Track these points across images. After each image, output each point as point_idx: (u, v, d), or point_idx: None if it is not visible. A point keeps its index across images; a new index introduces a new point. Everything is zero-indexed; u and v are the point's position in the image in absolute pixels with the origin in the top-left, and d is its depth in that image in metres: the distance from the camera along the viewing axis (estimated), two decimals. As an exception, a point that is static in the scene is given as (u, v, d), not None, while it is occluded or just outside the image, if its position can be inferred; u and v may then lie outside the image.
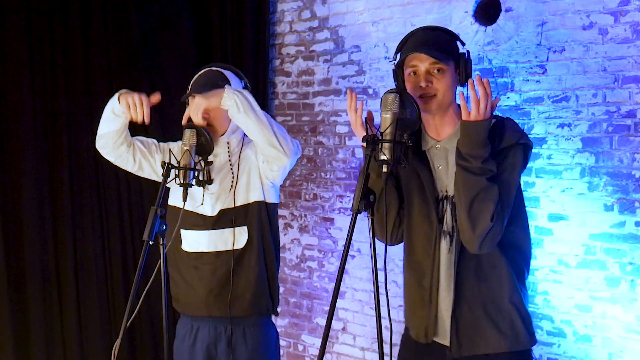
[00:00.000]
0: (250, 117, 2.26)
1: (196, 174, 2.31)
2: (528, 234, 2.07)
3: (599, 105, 2.74)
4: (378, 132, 1.90)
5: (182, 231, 2.48)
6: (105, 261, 3.58)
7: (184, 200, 2.26)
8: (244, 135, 2.48)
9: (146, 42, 3.68)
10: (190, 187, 2.30)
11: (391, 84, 2.13)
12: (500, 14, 2.99)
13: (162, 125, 3.72)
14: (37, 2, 3.32)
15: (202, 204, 2.46)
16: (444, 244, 2.02)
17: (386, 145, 1.87)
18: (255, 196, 2.46)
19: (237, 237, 2.45)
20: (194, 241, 2.49)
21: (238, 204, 2.45)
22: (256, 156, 2.46)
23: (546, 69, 2.87)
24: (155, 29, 3.72)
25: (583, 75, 2.77)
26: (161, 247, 2.23)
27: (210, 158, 2.43)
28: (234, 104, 2.25)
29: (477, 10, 3.10)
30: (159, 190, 2.24)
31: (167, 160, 2.25)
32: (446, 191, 2.02)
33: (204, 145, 2.33)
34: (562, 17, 2.81)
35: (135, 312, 2.20)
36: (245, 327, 2.47)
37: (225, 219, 2.45)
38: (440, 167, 2.03)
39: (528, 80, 2.92)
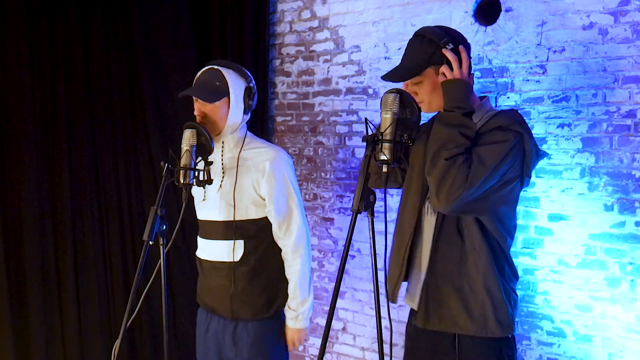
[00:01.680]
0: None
1: (196, 174, 2.32)
2: (511, 238, 2.10)
3: (599, 105, 2.74)
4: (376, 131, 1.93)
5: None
6: (105, 261, 3.58)
7: (185, 200, 2.28)
8: (244, 137, 2.54)
9: (146, 42, 3.68)
10: (191, 187, 2.31)
11: (391, 84, 2.14)
12: (500, 14, 2.99)
13: (162, 125, 3.73)
14: (37, 2, 3.32)
15: (204, 199, 2.54)
16: (432, 219, 2.07)
17: (386, 145, 1.89)
18: (253, 213, 2.52)
19: (234, 250, 2.52)
20: (200, 248, 2.62)
21: (238, 218, 2.50)
22: (257, 186, 2.49)
23: (546, 69, 2.88)
24: (155, 28, 3.73)
25: (583, 75, 2.77)
26: (161, 247, 2.24)
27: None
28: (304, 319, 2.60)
29: (477, 10, 3.10)
30: (159, 190, 2.25)
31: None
32: None
33: (204, 145, 2.34)
34: (562, 17, 2.81)
35: (135, 312, 2.21)
36: (248, 321, 2.55)
37: (225, 230, 2.52)
38: None
39: (528, 80, 2.92)
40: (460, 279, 2.03)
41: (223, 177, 2.51)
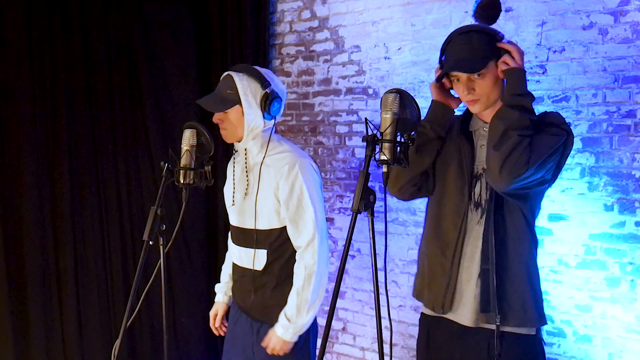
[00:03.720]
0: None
1: (196, 174, 2.32)
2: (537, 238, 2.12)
3: (599, 105, 2.74)
4: (378, 133, 1.92)
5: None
6: (105, 261, 3.58)
7: (184, 200, 2.28)
8: (268, 142, 2.45)
9: (146, 42, 3.68)
10: (190, 186, 2.31)
11: (391, 84, 2.15)
12: (500, 14, 2.99)
13: (162, 125, 3.73)
14: (37, 2, 3.32)
15: (233, 204, 2.53)
16: (474, 216, 2.08)
17: (386, 145, 1.89)
18: (275, 223, 2.47)
19: (257, 259, 2.49)
20: (231, 251, 2.62)
21: (259, 227, 2.46)
22: (277, 190, 2.42)
23: (546, 69, 2.88)
24: (155, 28, 3.72)
25: (583, 75, 2.77)
26: (161, 247, 2.23)
27: (237, 160, 2.50)
28: (294, 334, 2.44)
29: (477, 10, 3.09)
30: (159, 190, 2.25)
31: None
32: (483, 168, 2.09)
33: (204, 145, 2.34)
34: (562, 17, 2.81)
35: (135, 312, 2.20)
36: (272, 325, 2.50)
37: (248, 238, 2.50)
38: (482, 146, 2.10)
39: (528, 80, 2.91)
40: (503, 270, 2.03)
41: (248, 185, 2.48)
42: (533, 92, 2.87)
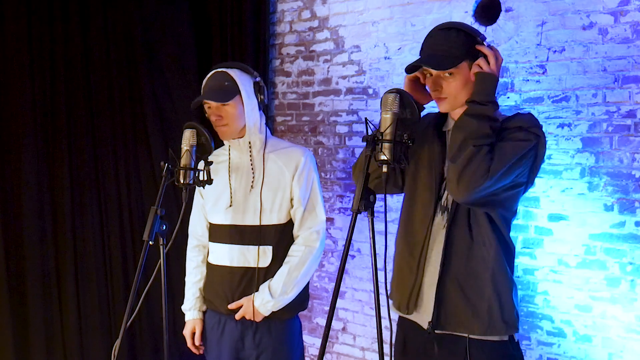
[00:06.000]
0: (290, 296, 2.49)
1: (196, 174, 2.32)
2: (513, 243, 2.09)
3: (599, 105, 2.74)
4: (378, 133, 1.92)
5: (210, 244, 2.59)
6: (105, 261, 3.58)
7: (184, 200, 2.28)
8: (267, 137, 2.53)
9: (146, 42, 3.68)
10: (191, 186, 2.31)
11: (391, 84, 2.15)
12: (500, 14, 2.99)
13: (162, 125, 3.73)
14: (37, 3, 3.33)
15: (230, 206, 2.49)
16: (440, 219, 2.04)
17: (386, 145, 1.89)
18: (282, 217, 2.49)
19: (260, 256, 2.48)
20: (217, 253, 2.56)
21: (264, 222, 2.46)
22: (292, 179, 2.49)
23: (546, 69, 2.88)
24: (155, 28, 3.73)
25: (583, 75, 2.77)
26: (161, 247, 2.24)
27: (232, 158, 2.49)
28: (269, 310, 2.45)
29: (477, 10, 3.10)
30: (159, 190, 2.25)
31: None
32: None
33: (204, 145, 2.34)
34: (562, 17, 2.82)
35: (135, 312, 2.20)
36: (270, 320, 2.50)
37: (251, 235, 2.48)
38: None
39: (528, 80, 2.92)
40: (468, 277, 2.00)
41: (253, 178, 2.48)
42: (533, 92, 2.90)
